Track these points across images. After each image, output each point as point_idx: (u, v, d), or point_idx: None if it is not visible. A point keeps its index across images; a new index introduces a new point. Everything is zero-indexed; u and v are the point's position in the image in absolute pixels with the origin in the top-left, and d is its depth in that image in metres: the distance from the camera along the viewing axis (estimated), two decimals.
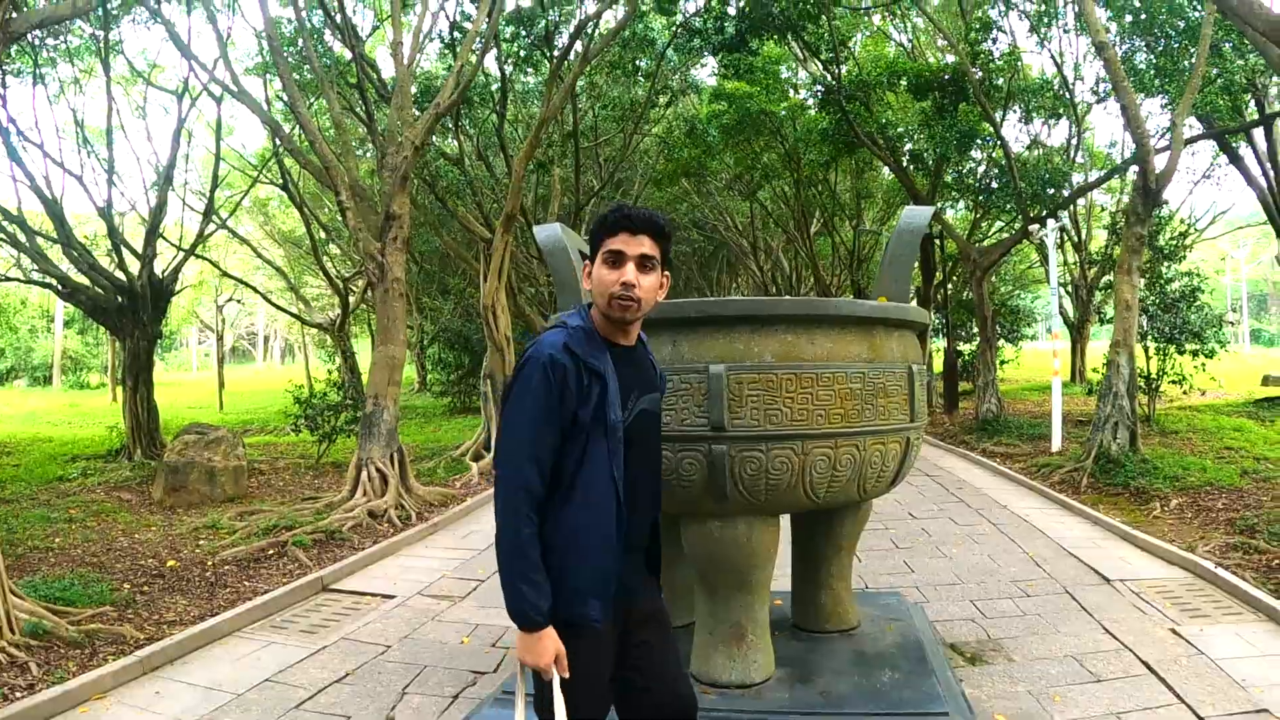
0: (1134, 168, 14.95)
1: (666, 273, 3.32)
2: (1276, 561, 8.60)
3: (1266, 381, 30.17)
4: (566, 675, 3.07)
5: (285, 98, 17.48)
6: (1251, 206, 24.29)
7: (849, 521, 5.70)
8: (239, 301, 49.26)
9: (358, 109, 18.99)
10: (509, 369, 18.25)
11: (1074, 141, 26.00)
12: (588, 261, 3.30)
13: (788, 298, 5.03)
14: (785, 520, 5.65)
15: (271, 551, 9.76)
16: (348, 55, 17.55)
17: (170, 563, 9.27)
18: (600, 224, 3.26)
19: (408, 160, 12.94)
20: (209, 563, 9.31)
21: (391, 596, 8.53)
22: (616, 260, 3.18)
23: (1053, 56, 23.72)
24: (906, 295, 5.45)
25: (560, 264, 5.61)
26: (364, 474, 12.19)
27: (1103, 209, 34.05)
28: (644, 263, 3.20)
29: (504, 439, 3.12)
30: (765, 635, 5.05)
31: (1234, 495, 11.76)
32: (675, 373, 4.54)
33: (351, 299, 30.38)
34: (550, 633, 3.04)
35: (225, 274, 32.68)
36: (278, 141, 18.74)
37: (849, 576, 5.91)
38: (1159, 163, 14.34)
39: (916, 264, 28.93)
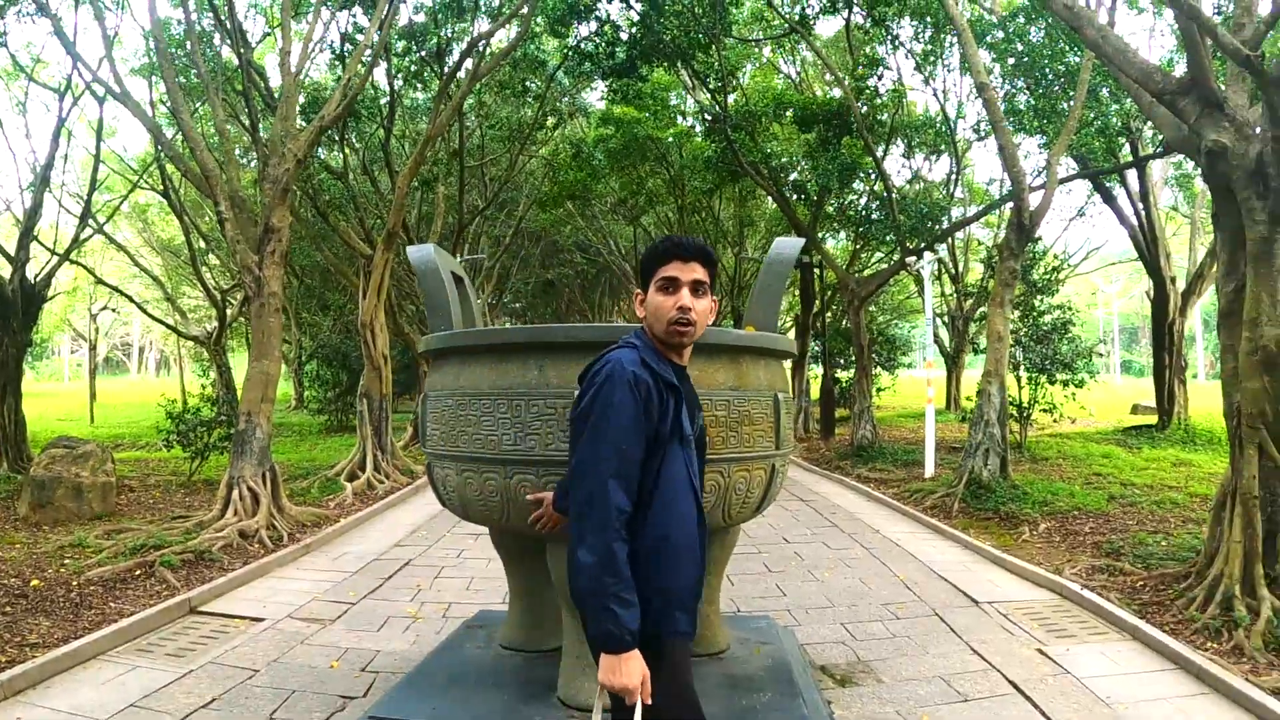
0: (1010, 204, 15.43)
1: (714, 296, 3.42)
2: (1140, 583, 8.87)
3: (1136, 410, 30.91)
4: (649, 700, 3.00)
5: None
6: (1124, 244, 25.15)
7: (716, 546, 5.69)
8: (114, 310, 47.97)
9: (243, 117, 18.69)
10: (386, 387, 18.09)
11: (954, 177, 26.70)
12: (639, 292, 3.40)
13: None
14: None
15: (139, 572, 9.46)
16: (236, 61, 17.27)
17: (34, 582, 8.99)
18: (652, 253, 3.35)
19: (289, 172, 12.77)
20: (74, 583, 9.00)
21: (261, 619, 8.32)
22: (671, 286, 3.26)
23: (936, 94, 24.39)
24: (775, 324, 5.50)
25: (433, 286, 5.58)
26: (235, 493, 11.93)
27: (980, 243, 35.03)
28: (697, 288, 3.29)
29: (590, 457, 3.07)
30: None
31: (1101, 520, 12.18)
32: (541, 398, 4.53)
33: (229, 312, 29.53)
34: (637, 654, 2.96)
35: (100, 281, 31.65)
36: (159, 146, 18.32)
37: (717, 600, 5.92)
38: (1034, 200, 14.85)
39: (796, 292, 29.62)
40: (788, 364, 31.38)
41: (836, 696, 6.26)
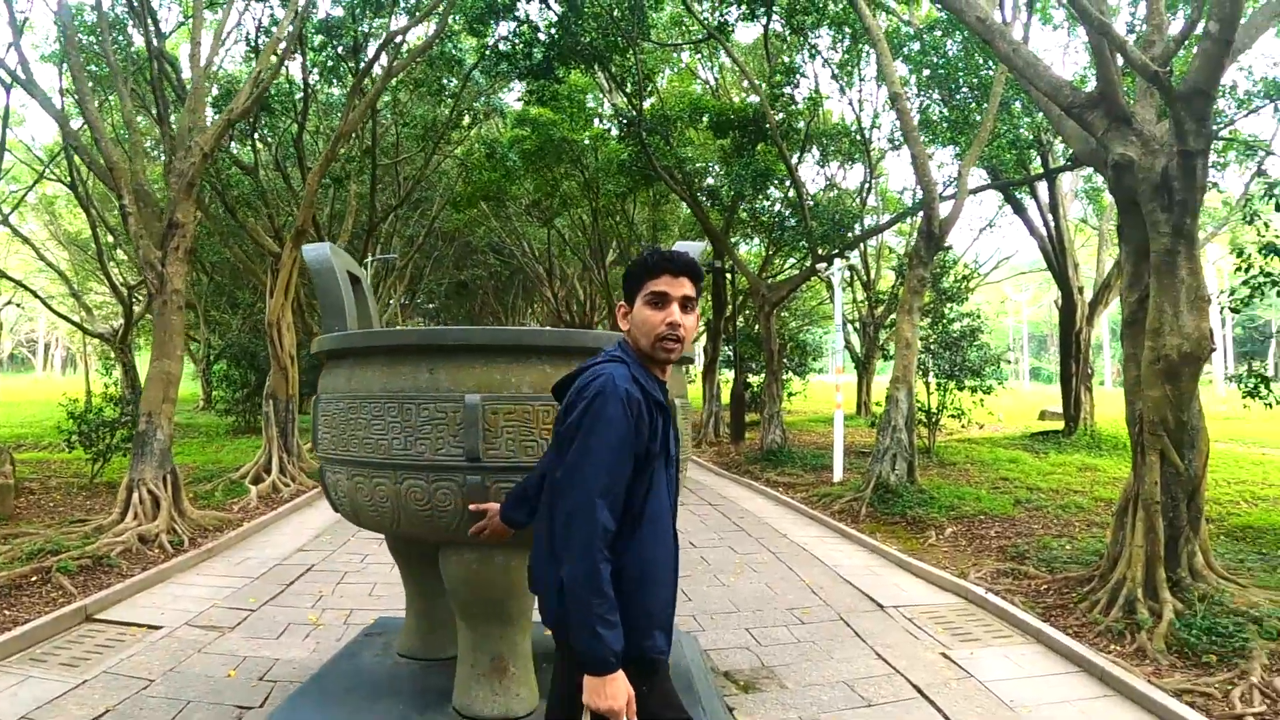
0: (920, 213, 15.62)
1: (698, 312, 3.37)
2: (1044, 586, 9.01)
3: (1043, 416, 31.62)
4: None
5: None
6: (1034, 254, 25.63)
7: None
8: (18, 305, 46.66)
9: (155, 109, 18.29)
10: (293, 388, 17.77)
11: (867, 185, 26.99)
12: (622, 304, 3.34)
13: (548, 329, 4.93)
14: None
15: (35, 578, 9.11)
16: (148, 50, 16.83)
17: None
18: (641, 266, 3.28)
19: (195, 166, 12.47)
20: None
21: (158, 627, 8.08)
22: (661, 301, 3.21)
23: (851, 104, 24.68)
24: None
25: (328, 285, 5.47)
26: (135, 496, 11.57)
27: (891, 251, 35.49)
28: (685, 303, 3.25)
29: (577, 474, 3.00)
30: (529, 667, 4.90)
31: (1006, 524, 12.38)
32: (432, 401, 4.44)
33: (136, 309, 28.88)
34: (622, 675, 2.94)
35: (3, 275, 30.96)
36: (65, 137, 17.84)
37: None
38: (944, 209, 15.08)
39: (709, 297, 29.76)
40: (697, 369, 31.77)
41: (740, 703, 6.26)
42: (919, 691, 6.51)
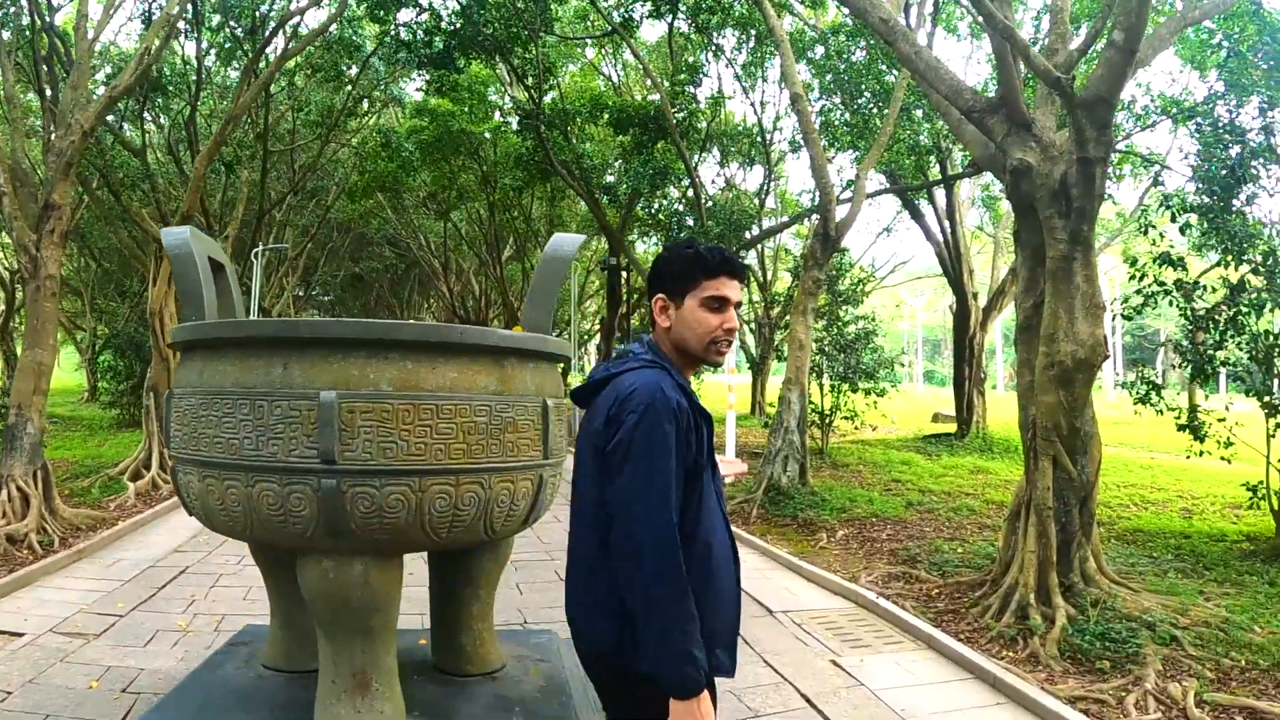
0: (817, 215, 15.63)
1: None
2: (936, 590, 8.99)
3: (936, 419, 31.75)
4: None
5: None
6: (932, 259, 25.94)
7: (487, 560, 5.41)
8: None
9: (39, 84, 17.53)
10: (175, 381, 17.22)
11: (766, 186, 27.07)
12: (662, 297, 3.10)
13: (409, 323, 4.61)
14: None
15: None
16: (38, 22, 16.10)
17: None
18: (699, 265, 3.05)
19: (74, 145, 11.88)
20: None
21: (21, 634, 7.63)
22: (721, 305, 3.03)
23: (753, 105, 24.70)
24: (548, 325, 5.23)
25: (186, 272, 5.07)
26: (3, 494, 11.03)
27: (789, 253, 35.67)
28: (737, 306, 3.12)
29: (643, 498, 2.80)
30: (392, 683, 4.63)
31: (898, 526, 12.40)
32: (286, 398, 4.15)
33: (19, 296, 27.99)
34: (706, 695, 2.81)
35: None
36: None
37: (490, 617, 5.58)
38: (840, 212, 15.09)
39: (602, 294, 29.58)
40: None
41: None
42: (808, 701, 6.38)
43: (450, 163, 27.48)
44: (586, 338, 44.29)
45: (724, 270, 3.02)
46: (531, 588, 9.49)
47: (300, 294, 61.40)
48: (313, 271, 42.89)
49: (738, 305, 3.11)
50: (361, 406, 4.12)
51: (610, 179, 24.87)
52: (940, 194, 23.54)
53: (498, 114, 28.45)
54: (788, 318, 29.10)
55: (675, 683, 2.75)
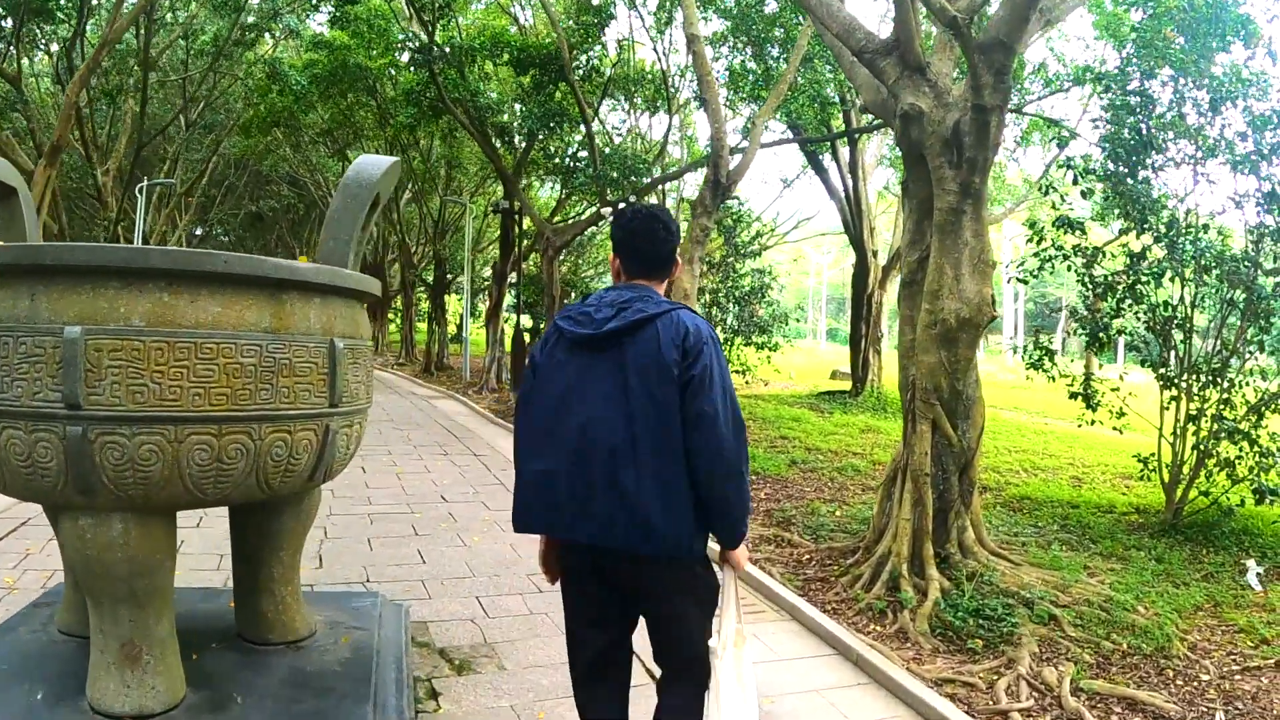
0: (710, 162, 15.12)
1: (614, 257, 3.81)
2: (807, 556, 8.54)
3: (835, 376, 31.45)
4: None
5: None
6: (837, 217, 25.65)
7: (287, 517, 4.87)
8: None
9: None
10: None
11: (668, 134, 26.52)
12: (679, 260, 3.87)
13: (168, 248, 4.01)
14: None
15: None
16: None
17: None
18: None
19: None
20: None
21: None
22: None
23: (656, 50, 24.02)
24: (347, 258, 4.69)
25: None
26: None
27: (686, 201, 35.08)
28: None
29: (732, 403, 3.44)
30: (166, 654, 4.12)
31: (777, 485, 11.96)
32: (30, 334, 3.61)
33: None
34: None
35: None
36: None
37: (295, 580, 5.07)
38: (735, 160, 14.54)
39: (495, 239, 28.93)
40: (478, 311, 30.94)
41: (449, 686, 5.52)
42: (652, 677, 5.84)
43: (346, 99, 26.49)
44: (484, 283, 43.19)
45: None
46: (383, 543, 8.87)
47: (199, 233, 60.30)
48: (209, 209, 41.80)
49: None
50: (110, 344, 3.57)
51: (505, 118, 24.02)
52: (844, 149, 23.20)
53: (400, 52, 27.56)
54: None
55: (741, 536, 3.65)
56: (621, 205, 18.07)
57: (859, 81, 9.05)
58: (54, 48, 22.07)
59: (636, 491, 3.35)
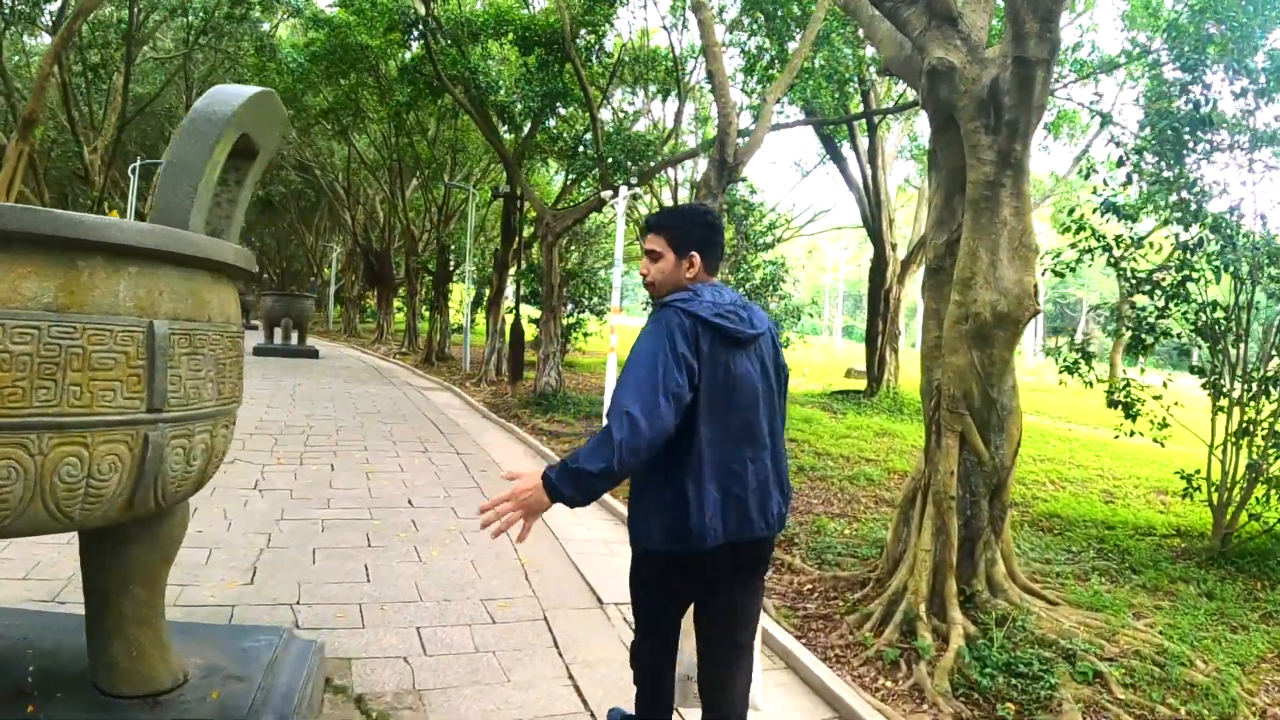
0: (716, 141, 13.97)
1: (693, 254, 3.68)
2: (810, 586, 7.34)
3: (850, 374, 30.81)
4: None
5: None
6: (855, 211, 24.57)
7: (137, 548, 3.72)
8: None
9: None
10: None
11: (678, 117, 25.42)
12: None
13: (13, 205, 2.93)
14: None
15: None
16: None
17: None
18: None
19: None
20: None
21: None
22: (648, 255, 3.78)
23: (665, 28, 22.95)
24: (189, 215, 3.55)
25: None
26: None
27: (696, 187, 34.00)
28: (650, 255, 3.77)
29: None
30: None
31: None
32: None
33: None
34: None
35: None
36: None
37: (155, 621, 3.93)
38: (744, 142, 13.36)
39: (495, 225, 27.81)
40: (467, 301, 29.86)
41: None
42: None
43: (348, 78, 25.42)
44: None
45: (645, 228, 3.86)
46: (329, 556, 7.75)
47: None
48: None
49: (650, 254, 3.76)
50: None
51: (503, 96, 22.82)
52: (863, 138, 22.06)
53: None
54: None
55: None
56: (624, 190, 16.92)
57: (879, 37, 7.84)
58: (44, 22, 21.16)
59: (782, 479, 3.67)
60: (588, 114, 21.30)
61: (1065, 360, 9.63)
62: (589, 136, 21.41)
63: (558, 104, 20.18)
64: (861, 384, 24.30)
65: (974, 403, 6.32)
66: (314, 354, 30.49)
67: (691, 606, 3.82)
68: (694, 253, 3.64)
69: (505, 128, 23.42)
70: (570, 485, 3.16)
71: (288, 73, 24.46)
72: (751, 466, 3.49)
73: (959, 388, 6.30)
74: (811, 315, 28.22)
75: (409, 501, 9.99)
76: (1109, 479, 13.76)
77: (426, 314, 32.40)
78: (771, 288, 18.79)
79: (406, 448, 13.21)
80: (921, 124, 25.39)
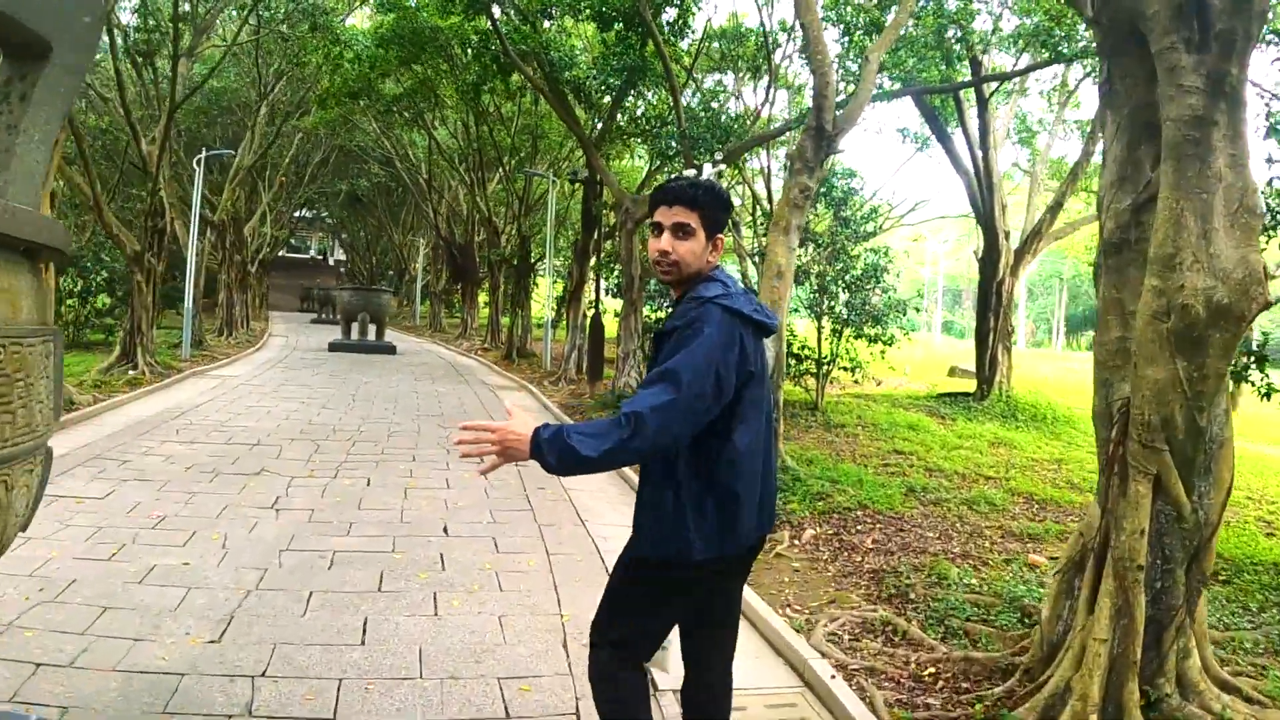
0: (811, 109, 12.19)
1: (720, 236, 3.39)
2: (931, 670, 5.49)
3: (953, 373, 29.39)
4: None
5: None
6: (952, 201, 22.79)
7: None
8: None
9: None
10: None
11: (770, 94, 23.76)
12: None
13: None
14: None
15: None
16: None
17: None
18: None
19: None
20: None
21: None
22: (657, 230, 3.39)
23: (758, 4, 21.28)
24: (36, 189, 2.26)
25: None
26: None
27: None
28: (678, 230, 3.33)
29: None
30: None
31: (890, 525, 8.97)
32: None
33: None
34: None
35: None
36: None
37: None
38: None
39: (576, 214, 26.47)
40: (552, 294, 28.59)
41: None
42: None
43: (422, 64, 24.05)
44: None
45: (658, 201, 3.41)
46: (327, 602, 6.21)
47: (307, 214, 59.94)
48: (295, 189, 40.67)
49: (680, 229, 3.31)
50: None
51: (577, 74, 21.18)
52: (973, 118, 20.13)
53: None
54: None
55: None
56: (708, 167, 15.22)
57: None
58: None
59: (767, 494, 3.47)
60: (669, 93, 19.81)
61: (1261, 385, 7.77)
62: (669, 112, 19.88)
63: (638, 81, 18.47)
64: (969, 384, 22.44)
65: (1176, 433, 4.37)
66: (390, 350, 29.97)
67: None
68: (720, 236, 3.41)
69: (582, 108, 21.86)
70: (555, 455, 2.93)
71: (362, 62, 23.14)
72: (764, 465, 3.38)
73: (1157, 412, 4.35)
74: (918, 310, 26.34)
75: (444, 529, 8.40)
76: (1260, 501, 11.88)
77: (509, 308, 31.18)
78: (874, 279, 17.00)
79: (459, 460, 11.57)
80: (1029, 104, 23.57)
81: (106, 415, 13.78)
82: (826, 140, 10.69)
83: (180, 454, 11.02)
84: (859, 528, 8.88)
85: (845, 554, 8.11)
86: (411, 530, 8.25)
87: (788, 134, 20.88)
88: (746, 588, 5.44)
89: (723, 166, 17.02)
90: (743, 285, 3.41)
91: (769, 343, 10.63)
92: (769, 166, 25.59)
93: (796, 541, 8.42)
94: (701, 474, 3.18)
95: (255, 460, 10.90)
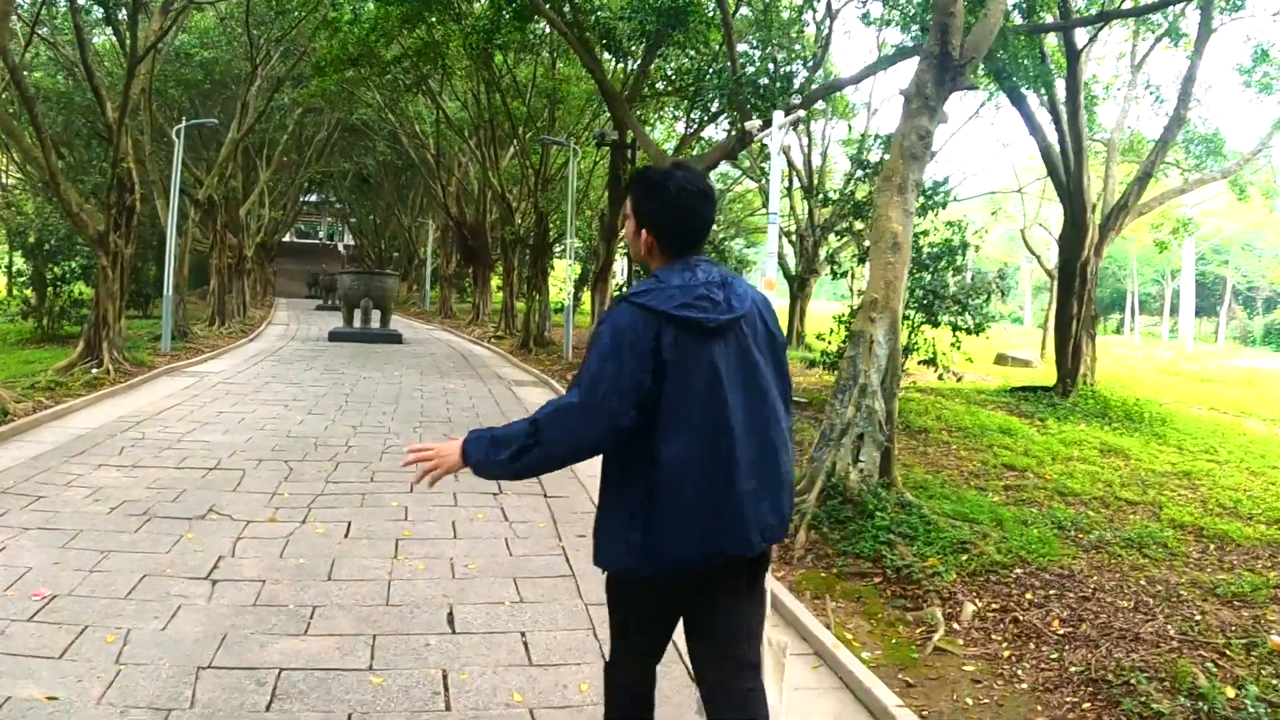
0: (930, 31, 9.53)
1: (644, 231, 3.11)
2: None
3: (1002, 361, 28.14)
4: None
5: None
6: (997, 177, 20.29)
7: None
8: None
9: None
10: None
11: (828, 35, 21.13)
12: None
13: None
14: None
15: None
16: None
17: None
18: None
19: None
20: None
21: None
22: None
23: None
24: None
25: None
26: None
27: (852, 138, 29.48)
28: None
29: None
30: None
31: (1070, 593, 6.42)
32: None
33: None
34: None
35: None
36: None
37: None
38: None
39: (602, 186, 24.17)
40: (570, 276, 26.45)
41: None
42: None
43: (425, 24, 21.67)
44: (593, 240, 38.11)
45: None
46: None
47: (318, 199, 57.97)
48: (297, 169, 39.05)
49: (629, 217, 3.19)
50: None
51: (617, 23, 18.57)
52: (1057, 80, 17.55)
53: None
54: (844, 223, 23.29)
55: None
56: (779, 116, 12.61)
57: None
58: None
59: (785, 475, 3.13)
60: (707, 46, 17.25)
61: None
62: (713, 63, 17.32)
63: (675, 28, 15.90)
64: (1025, 373, 21.28)
65: None
66: (396, 339, 27.66)
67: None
68: (645, 231, 3.10)
69: (610, 59, 19.27)
70: (480, 457, 2.97)
71: (363, 23, 20.89)
72: (727, 472, 2.96)
73: None
74: (1004, 294, 23.95)
75: (447, 615, 5.85)
76: None
77: (525, 292, 28.69)
78: (946, 261, 14.31)
79: (468, 487, 8.94)
80: (1142, 48, 21.01)
81: (45, 428, 11.32)
82: (952, 71, 8.07)
83: (111, 486, 8.52)
84: (1028, 596, 6.33)
85: (1030, 644, 5.59)
86: (399, 618, 5.72)
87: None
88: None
89: (800, 114, 14.39)
90: (722, 273, 2.99)
91: (883, 332, 8.04)
92: (815, 131, 23.00)
93: (956, 625, 5.87)
94: (635, 484, 2.95)
95: (204, 495, 8.34)
